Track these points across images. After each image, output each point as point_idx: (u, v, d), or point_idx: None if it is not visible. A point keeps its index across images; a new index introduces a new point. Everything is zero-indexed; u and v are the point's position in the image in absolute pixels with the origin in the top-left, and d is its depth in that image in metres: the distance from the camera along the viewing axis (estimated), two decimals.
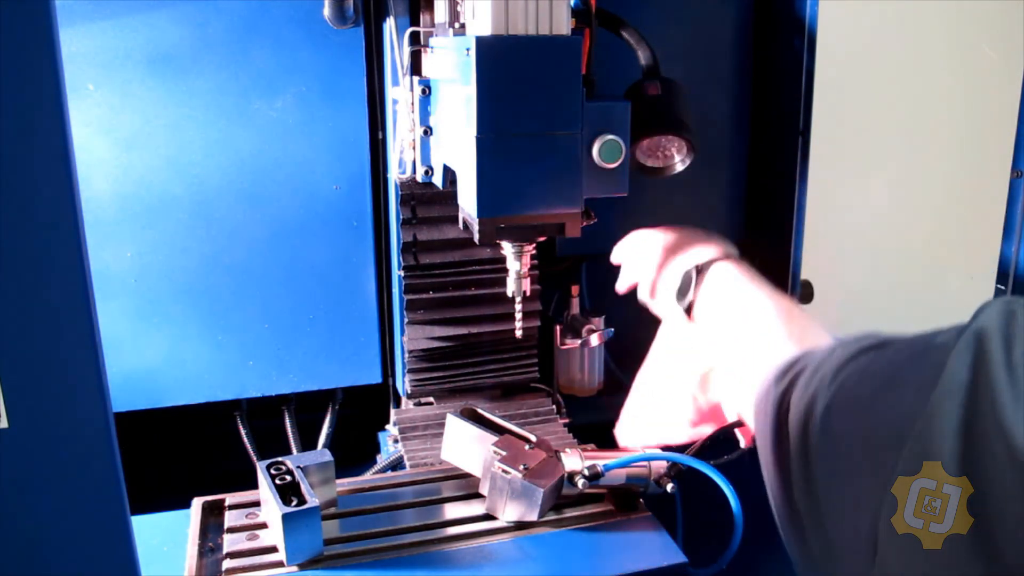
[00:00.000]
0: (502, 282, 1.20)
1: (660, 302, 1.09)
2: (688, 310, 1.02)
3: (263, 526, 1.09)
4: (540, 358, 1.45)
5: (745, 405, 0.86)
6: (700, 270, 1.01)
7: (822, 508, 0.67)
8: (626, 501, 1.16)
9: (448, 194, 1.22)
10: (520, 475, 1.07)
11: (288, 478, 1.05)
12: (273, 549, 1.04)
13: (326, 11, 1.29)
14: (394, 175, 1.28)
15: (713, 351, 1.01)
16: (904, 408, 0.57)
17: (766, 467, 0.74)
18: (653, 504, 1.16)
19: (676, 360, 1.10)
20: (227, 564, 1.02)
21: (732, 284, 0.99)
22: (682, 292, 1.03)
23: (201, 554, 1.05)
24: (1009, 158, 1.20)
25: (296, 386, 1.43)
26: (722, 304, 0.98)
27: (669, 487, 1.13)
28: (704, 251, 1.04)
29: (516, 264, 1.09)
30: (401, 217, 1.32)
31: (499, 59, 0.93)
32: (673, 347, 1.11)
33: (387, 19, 1.27)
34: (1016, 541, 0.50)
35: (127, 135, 1.26)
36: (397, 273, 1.36)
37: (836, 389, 0.67)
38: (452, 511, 1.15)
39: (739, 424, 1.04)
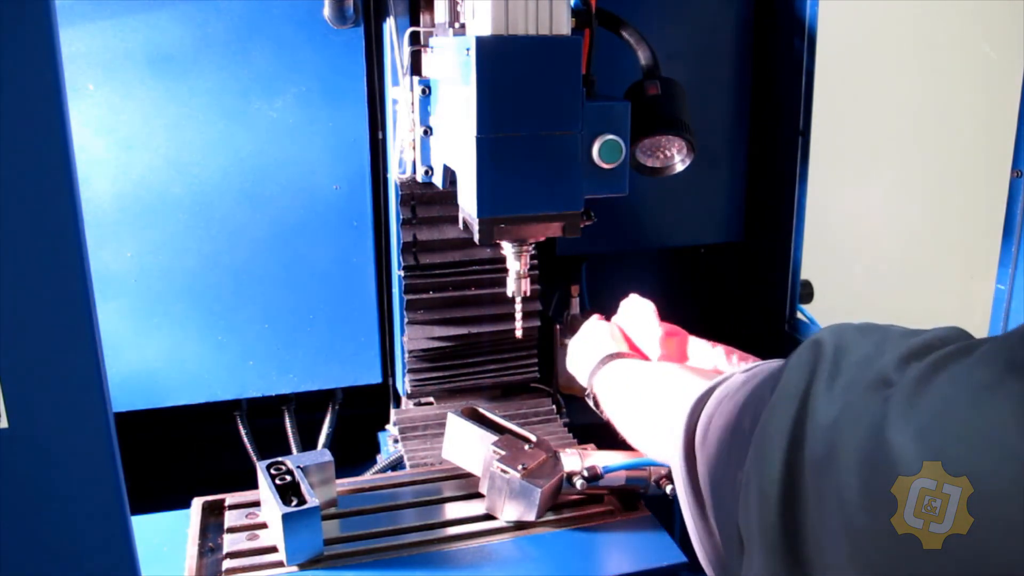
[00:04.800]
0: (502, 282, 1.20)
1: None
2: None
3: (263, 526, 1.09)
4: (540, 358, 1.45)
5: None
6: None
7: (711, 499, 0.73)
8: (626, 501, 1.16)
9: (448, 194, 1.22)
10: (519, 475, 1.07)
11: (288, 478, 1.05)
12: (273, 549, 1.04)
13: (326, 11, 1.29)
14: (394, 175, 1.28)
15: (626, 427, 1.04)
16: (760, 409, 0.63)
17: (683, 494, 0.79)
18: (653, 504, 1.16)
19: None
20: (227, 564, 1.02)
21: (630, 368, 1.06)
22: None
23: (201, 554, 1.05)
24: (1009, 158, 1.20)
25: (296, 386, 1.43)
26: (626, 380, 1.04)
27: (669, 488, 1.13)
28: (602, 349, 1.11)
29: (516, 264, 1.09)
30: (401, 217, 1.32)
31: (499, 59, 0.93)
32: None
33: (387, 19, 1.27)
34: (819, 538, 0.54)
35: (127, 135, 1.26)
36: (397, 273, 1.36)
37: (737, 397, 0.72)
38: (452, 511, 1.15)
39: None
